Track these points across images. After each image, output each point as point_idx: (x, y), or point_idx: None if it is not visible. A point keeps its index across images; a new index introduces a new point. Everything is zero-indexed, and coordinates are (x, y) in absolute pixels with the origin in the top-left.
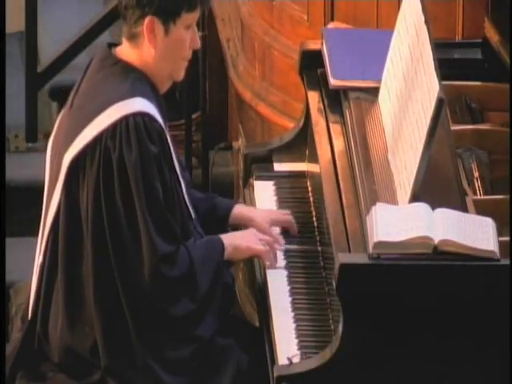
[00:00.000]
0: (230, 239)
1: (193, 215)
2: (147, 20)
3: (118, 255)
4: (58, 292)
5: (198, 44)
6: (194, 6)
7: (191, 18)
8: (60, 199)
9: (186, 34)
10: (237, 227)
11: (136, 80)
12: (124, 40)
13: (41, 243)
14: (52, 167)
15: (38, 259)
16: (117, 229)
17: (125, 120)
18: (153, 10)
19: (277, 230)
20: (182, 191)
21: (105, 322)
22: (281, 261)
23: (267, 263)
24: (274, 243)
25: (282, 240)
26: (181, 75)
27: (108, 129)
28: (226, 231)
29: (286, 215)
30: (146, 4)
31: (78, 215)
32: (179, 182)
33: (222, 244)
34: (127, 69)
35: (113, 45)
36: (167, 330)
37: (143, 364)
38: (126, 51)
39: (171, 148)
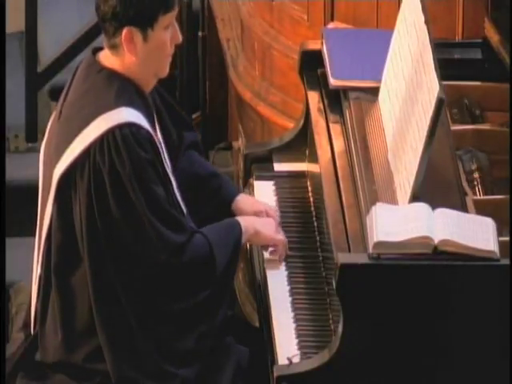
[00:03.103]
0: (251, 222)
1: (184, 211)
2: (124, 31)
3: (122, 263)
4: (53, 304)
5: (180, 39)
6: (170, 7)
7: (169, 17)
8: (52, 213)
9: (166, 34)
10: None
11: (120, 87)
12: (106, 48)
13: (38, 254)
14: (44, 177)
15: (36, 270)
16: (116, 238)
17: (111, 133)
18: (129, 20)
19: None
20: (173, 190)
21: (109, 333)
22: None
23: (277, 256)
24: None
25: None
26: (166, 71)
27: (95, 142)
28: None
29: (268, 212)
30: (121, 16)
31: (70, 228)
32: (170, 181)
33: (240, 227)
34: (111, 76)
35: (99, 49)
36: (176, 321)
37: (151, 363)
38: (109, 58)
39: (160, 150)
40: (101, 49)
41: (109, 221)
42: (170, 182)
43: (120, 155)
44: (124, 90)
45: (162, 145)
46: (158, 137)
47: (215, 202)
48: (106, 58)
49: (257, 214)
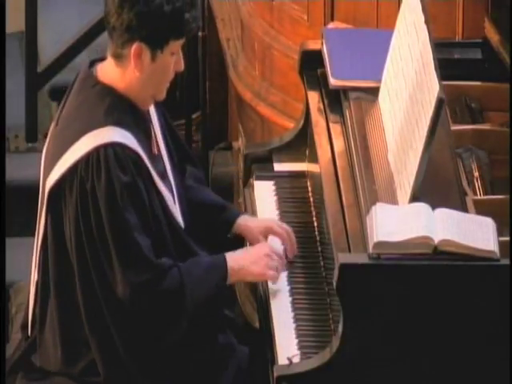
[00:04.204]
0: (240, 261)
1: (182, 225)
2: (135, 46)
3: (101, 284)
4: (52, 313)
5: (182, 67)
6: (181, 34)
7: (178, 44)
8: (46, 223)
9: (172, 59)
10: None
11: (111, 105)
12: (109, 57)
13: (35, 258)
14: (43, 184)
15: (34, 274)
16: (97, 260)
17: (96, 152)
18: (142, 37)
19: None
20: (166, 207)
21: (100, 346)
22: None
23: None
24: (282, 263)
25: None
26: (163, 96)
27: (82, 159)
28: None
29: (283, 228)
30: (135, 30)
31: (64, 241)
32: (162, 198)
33: (226, 268)
34: (105, 92)
35: (97, 60)
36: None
37: (145, 380)
38: (108, 70)
39: (150, 168)
40: (99, 60)
41: (90, 239)
42: (162, 196)
43: (99, 178)
44: (115, 107)
45: (164, 156)
46: (157, 149)
47: (218, 229)
48: (104, 72)
49: (268, 229)
